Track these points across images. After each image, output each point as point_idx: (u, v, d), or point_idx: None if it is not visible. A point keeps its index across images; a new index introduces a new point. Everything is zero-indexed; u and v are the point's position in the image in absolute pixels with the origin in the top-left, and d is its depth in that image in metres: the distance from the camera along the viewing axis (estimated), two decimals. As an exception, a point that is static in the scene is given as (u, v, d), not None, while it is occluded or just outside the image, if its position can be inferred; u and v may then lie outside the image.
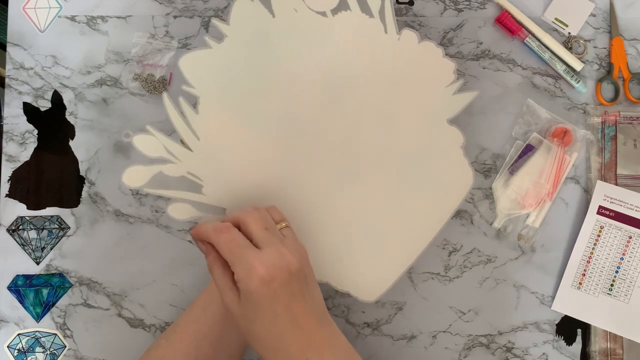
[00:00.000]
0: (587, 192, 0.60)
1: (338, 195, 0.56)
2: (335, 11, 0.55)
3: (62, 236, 0.60)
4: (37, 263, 0.60)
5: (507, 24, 0.61)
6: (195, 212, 0.54)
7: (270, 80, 0.55)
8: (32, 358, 0.59)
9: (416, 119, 0.56)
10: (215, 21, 0.55)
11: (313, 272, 0.47)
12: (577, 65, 0.60)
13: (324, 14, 0.56)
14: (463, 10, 0.62)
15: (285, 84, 0.55)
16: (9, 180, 0.61)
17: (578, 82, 0.60)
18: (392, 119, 0.56)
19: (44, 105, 0.62)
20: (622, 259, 0.58)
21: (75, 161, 0.61)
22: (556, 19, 0.62)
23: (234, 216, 0.47)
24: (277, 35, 0.55)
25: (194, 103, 0.55)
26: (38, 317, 0.59)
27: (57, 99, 0.62)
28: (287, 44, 0.55)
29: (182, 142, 0.54)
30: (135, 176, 0.53)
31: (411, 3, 0.62)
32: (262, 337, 0.44)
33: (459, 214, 0.60)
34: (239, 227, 0.46)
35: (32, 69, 0.62)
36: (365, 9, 0.56)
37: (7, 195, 0.61)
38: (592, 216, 0.59)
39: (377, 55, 0.56)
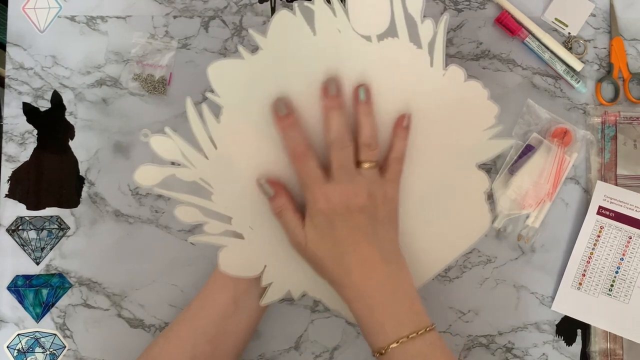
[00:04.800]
0: (587, 193, 0.60)
1: None
2: (381, 37, 0.52)
3: (61, 236, 0.60)
4: (37, 263, 0.60)
5: (507, 24, 0.61)
6: (201, 216, 0.53)
7: (298, 98, 0.52)
8: (31, 358, 0.59)
9: (445, 157, 0.54)
10: (252, 32, 0.51)
11: (394, 215, 0.51)
12: (577, 66, 0.60)
13: (369, 38, 0.52)
14: (463, 10, 0.62)
15: (312, 104, 0.52)
16: (8, 180, 0.61)
17: (578, 82, 0.60)
18: (420, 153, 0.53)
19: (44, 105, 0.62)
20: (622, 259, 0.58)
21: (75, 161, 0.61)
22: (556, 19, 0.62)
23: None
24: (315, 54, 0.52)
25: (199, 102, 0.55)
26: (38, 318, 0.59)
27: (56, 99, 0.62)
28: (323, 64, 0.52)
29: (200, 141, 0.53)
30: (147, 175, 0.52)
31: (411, 3, 0.62)
32: (326, 257, 0.49)
33: (459, 214, 0.60)
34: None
35: (31, 69, 0.62)
36: (414, 38, 0.52)
37: (7, 195, 0.61)
38: (592, 216, 0.59)
39: (417, 88, 0.53)
